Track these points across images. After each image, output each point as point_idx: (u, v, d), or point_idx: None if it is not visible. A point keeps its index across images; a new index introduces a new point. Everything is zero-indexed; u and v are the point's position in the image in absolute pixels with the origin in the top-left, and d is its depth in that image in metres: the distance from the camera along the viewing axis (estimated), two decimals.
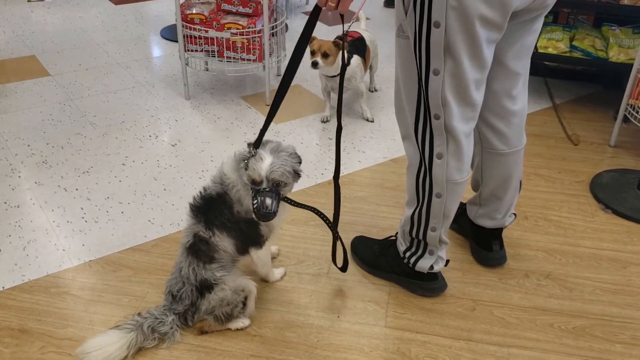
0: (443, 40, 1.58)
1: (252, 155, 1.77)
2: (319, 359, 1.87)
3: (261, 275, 2.12)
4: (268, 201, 1.73)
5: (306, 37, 1.76)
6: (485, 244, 2.24)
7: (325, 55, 3.04)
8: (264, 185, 1.75)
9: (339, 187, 2.00)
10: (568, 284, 2.19)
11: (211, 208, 1.86)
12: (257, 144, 1.80)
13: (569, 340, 1.96)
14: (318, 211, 1.96)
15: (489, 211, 2.17)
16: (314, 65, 3.04)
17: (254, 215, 1.77)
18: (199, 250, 1.86)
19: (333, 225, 2.01)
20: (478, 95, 1.74)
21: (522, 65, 1.87)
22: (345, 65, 2.05)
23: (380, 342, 1.93)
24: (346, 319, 2.02)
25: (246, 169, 1.77)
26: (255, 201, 1.75)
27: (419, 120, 1.79)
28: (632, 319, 2.04)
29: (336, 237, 2.04)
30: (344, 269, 2.09)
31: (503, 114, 1.94)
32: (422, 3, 1.57)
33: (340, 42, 3.06)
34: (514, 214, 2.23)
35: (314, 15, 1.76)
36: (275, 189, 1.76)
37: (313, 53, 3.06)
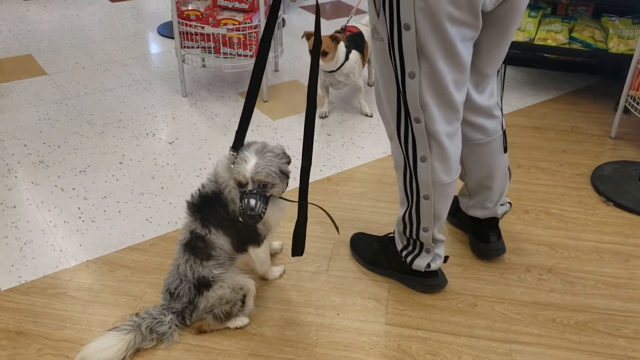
0: (415, 42, 1.55)
1: (236, 158, 1.75)
2: (319, 357, 1.85)
3: (260, 273, 2.10)
4: (252, 202, 1.71)
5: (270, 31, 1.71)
6: (482, 236, 2.22)
7: (324, 54, 3.01)
8: (249, 187, 1.73)
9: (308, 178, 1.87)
10: (570, 278, 2.17)
11: (207, 206, 1.84)
12: (236, 145, 1.78)
13: (571, 335, 1.94)
14: (318, 206, 1.95)
15: (479, 201, 2.14)
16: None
17: (240, 218, 1.75)
18: (195, 247, 1.84)
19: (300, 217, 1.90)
20: (459, 96, 1.70)
21: (492, 68, 1.86)
22: (317, 57, 1.99)
23: (380, 340, 1.92)
24: (346, 317, 2.00)
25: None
26: (241, 204, 1.73)
27: (401, 124, 1.76)
28: (635, 313, 2.02)
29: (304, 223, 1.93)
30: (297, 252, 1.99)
31: (472, 108, 1.92)
32: (390, 4, 1.54)
33: (338, 35, 3.03)
34: (509, 203, 2.20)
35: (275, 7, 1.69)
36: (261, 191, 1.74)
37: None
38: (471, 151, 2.02)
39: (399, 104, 1.72)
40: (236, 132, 1.79)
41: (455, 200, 2.33)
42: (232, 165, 1.77)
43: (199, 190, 1.89)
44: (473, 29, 1.58)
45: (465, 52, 1.61)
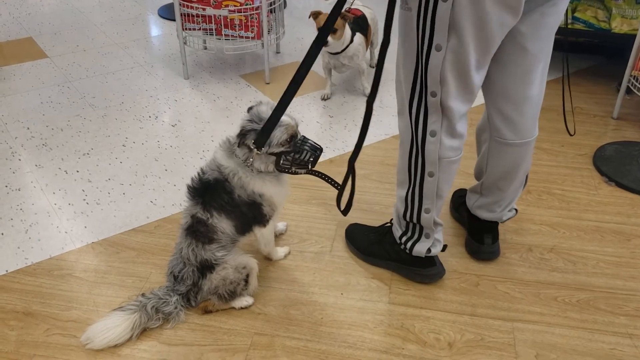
0: (449, 15, 1.53)
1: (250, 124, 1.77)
2: (323, 336, 1.87)
3: (264, 253, 2.12)
4: (313, 141, 1.86)
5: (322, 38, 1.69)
6: (477, 236, 2.17)
7: (333, 31, 2.99)
8: (299, 135, 1.83)
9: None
10: (572, 258, 2.19)
11: (209, 191, 1.84)
12: (261, 142, 1.77)
13: (572, 313, 1.96)
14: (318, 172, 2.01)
15: (488, 203, 2.09)
16: (325, 44, 2.99)
17: (310, 167, 1.86)
18: (197, 231, 1.85)
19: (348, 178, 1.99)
20: (477, 77, 1.67)
21: (540, 48, 1.73)
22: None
23: (384, 318, 1.94)
24: (350, 296, 2.02)
25: (256, 149, 1.77)
26: (304, 153, 1.82)
27: (414, 96, 1.74)
28: (636, 291, 2.04)
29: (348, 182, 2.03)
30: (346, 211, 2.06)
31: (516, 100, 1.83)
32: None
33: (347, 14, 3.01)
34: (515, 209, 2.15)
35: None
36: None
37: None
38: (498, 149, 1.94)
39: (416, 76, 1.70)
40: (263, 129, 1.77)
41: (461, 195, 2.33)
42: (243, 148, 1.79)
43: (199, 175, 1.88)
44: (513, 14, 1.53)
45: (497, 36, 1.57)
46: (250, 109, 1.83)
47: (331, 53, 3.15)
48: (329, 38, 2.96)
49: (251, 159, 1.80)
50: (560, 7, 1.69)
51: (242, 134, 1.78)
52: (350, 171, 1.95)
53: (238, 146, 1.80)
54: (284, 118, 1.77)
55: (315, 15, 3.03)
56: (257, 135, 1.75)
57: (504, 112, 1.87)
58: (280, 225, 2.29)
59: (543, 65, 1.79)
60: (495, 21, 1.53)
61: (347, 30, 3.08)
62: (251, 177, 1.82)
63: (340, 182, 2.02)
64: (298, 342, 1.85)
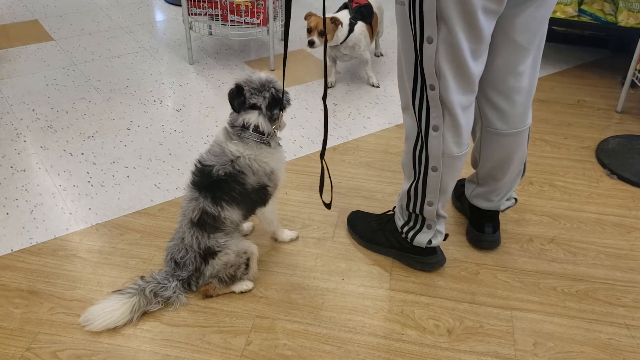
0: (435, 6, 1.54)
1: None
2: (324, 320, 1.89)
3: (269, 232, 2.15)
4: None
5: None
6: (477, 225, 2.18)
7: (321, 34, 2.99)
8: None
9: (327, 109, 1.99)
10: (572, 249, 2.20)
11: (220, 186, 1.84)
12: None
13: (571, 303, 1.97)
14: None
15: (485, 192, 2.10)
16: (311, 44, 3.00)
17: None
18: (205, 223, 1.85)
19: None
20: (476, 67, 1.66)
21: (530, 40, 1.74)
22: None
23: (384, 304, 1.95)
24: (351, 282, 2.04)
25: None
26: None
27: (416, 91, 1.74)
28: (635, 283, 2.06)
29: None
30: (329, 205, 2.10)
31: (506, 91, 1.84)
32: None
33: (337, 19, 3.01)
34: (515, 199, 2.16)
35: None
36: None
37: (310, 31, 3.01)
38: (490, 139, 1.95)
39: (416, 71, 1.70)
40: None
41: (463, 184, 2.34)
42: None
43: (202, 167, 1.87)
44: (497, 0, 1.55)
45: (486, 24, 1.58)
46: (240, 95, 1.94)
47: (331, 45, 3.14)
48: (317, 40, 2.98)
49: (277, 128, 1.90)
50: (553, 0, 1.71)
51: (274, 102, 1.91)
52: (323, 166, 2.01)
53: (269, 111, 1.89)
54: (272, 76, 1.94)
55: (307, 16, 3.04)
56: (277, 96, 1.92)
57: (494, 103, 1.87)
58: (291, 234, 2.23)
59: (533, 56, 1.79)
60: (481, 8, 1.54)
61: (344, 22, 3.08)
62: (270, 154, 1.87)
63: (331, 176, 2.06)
64: (299, 325, 1.87)
